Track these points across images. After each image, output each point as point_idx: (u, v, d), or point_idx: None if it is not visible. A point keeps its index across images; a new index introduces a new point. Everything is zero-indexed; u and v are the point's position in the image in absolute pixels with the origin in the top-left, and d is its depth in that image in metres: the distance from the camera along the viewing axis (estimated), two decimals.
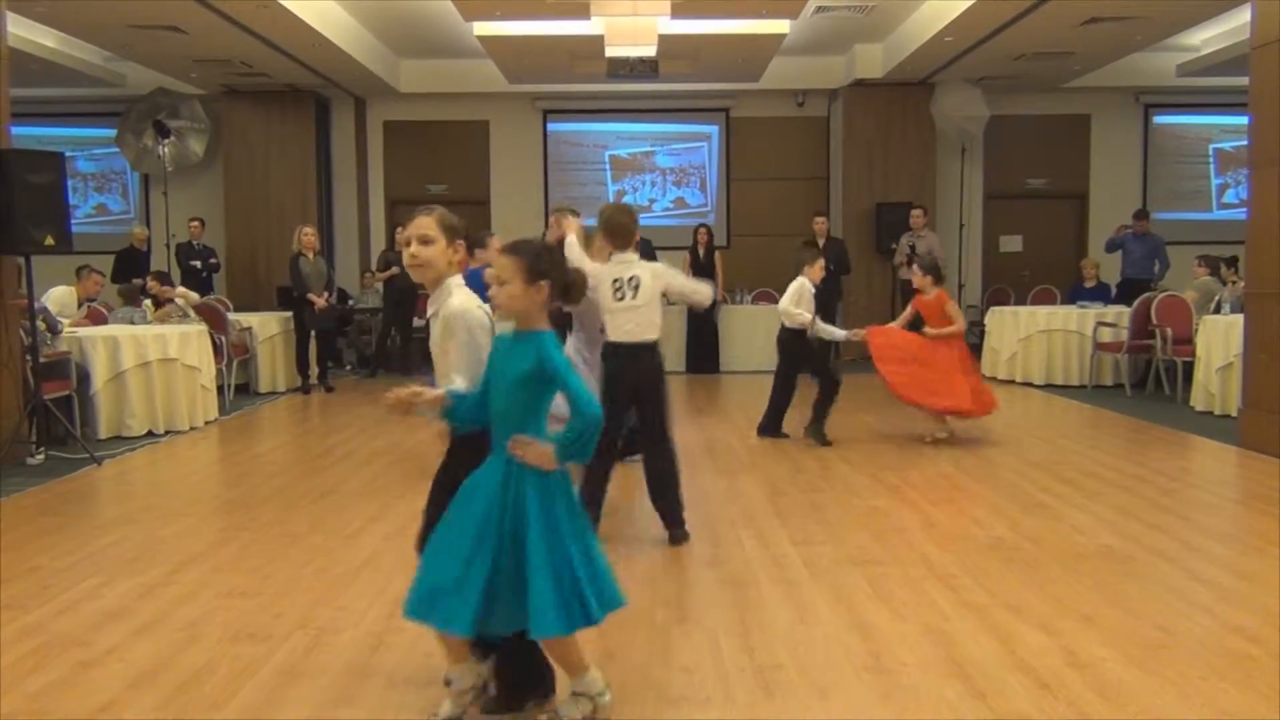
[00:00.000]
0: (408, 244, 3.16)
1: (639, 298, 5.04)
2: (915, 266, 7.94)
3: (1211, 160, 14.97)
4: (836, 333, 7.82)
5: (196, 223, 12.78)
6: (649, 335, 5.08)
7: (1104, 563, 4.63)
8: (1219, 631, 3.77)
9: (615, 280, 5.05)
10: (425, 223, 3.12)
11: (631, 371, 5.07)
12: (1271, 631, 3.74)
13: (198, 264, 12.46)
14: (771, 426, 8.02)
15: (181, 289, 10.67)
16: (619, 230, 5.16)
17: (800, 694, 3.26)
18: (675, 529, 5.10)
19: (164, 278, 10.63)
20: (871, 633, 3.79)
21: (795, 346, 7.71)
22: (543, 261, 2.83)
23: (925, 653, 3.59)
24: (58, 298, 9.56)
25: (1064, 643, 3.66)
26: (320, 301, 11.01)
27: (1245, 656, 3.52)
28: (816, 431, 7.66)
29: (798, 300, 7.57)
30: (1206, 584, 4.33)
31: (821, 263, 7.72)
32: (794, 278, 7.67)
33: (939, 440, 7.66)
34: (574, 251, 5.21)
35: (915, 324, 7.81)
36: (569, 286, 2.90)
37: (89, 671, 3.51)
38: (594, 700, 3.02)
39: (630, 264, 5.10)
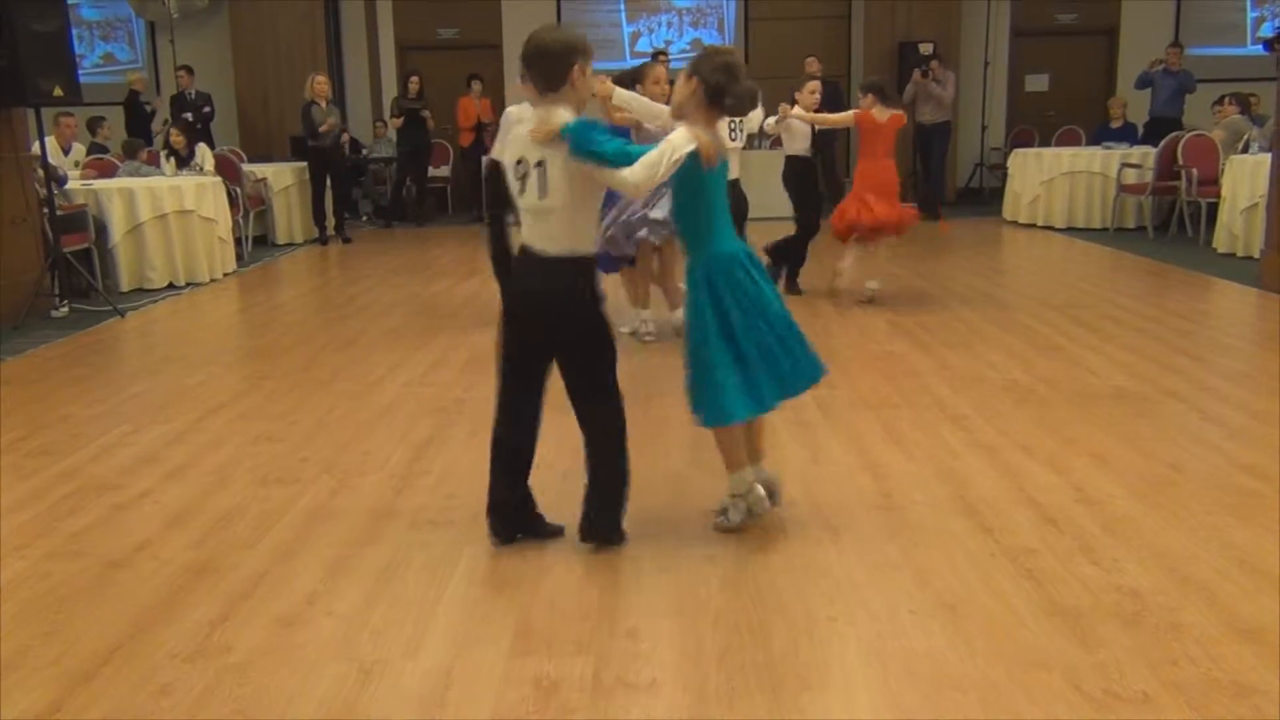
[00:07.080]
0: None
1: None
2: (860, 92, 7.15)
3: None
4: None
5: (183, 72, 12.39)
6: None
7: (1117, 403, 4.67)
8: (1227, 469, 3.82)
9: (730, 123, 5.72)
10: None
11: None
12: (1278, 469, 3.79)
13: (189, 115, 11.93)
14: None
15: (202, 145, 10.47)
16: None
17: (812, 530, 3.34)
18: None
19: (186, 127, 10.46)
20: (883, 472, 3.87)
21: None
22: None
23: (935, 491, 3.66)
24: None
25: (1073, 480, 3.72)
26: (326, 125, 10.87)
27: (1252, 493, 3.58)
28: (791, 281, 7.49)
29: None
30: (1218, 423, 4.37)
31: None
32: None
33: (873, 296, 7.19)
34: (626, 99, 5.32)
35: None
36: None
37: (124, 513, 3.63)
38: (745, 498, 3.32)
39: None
